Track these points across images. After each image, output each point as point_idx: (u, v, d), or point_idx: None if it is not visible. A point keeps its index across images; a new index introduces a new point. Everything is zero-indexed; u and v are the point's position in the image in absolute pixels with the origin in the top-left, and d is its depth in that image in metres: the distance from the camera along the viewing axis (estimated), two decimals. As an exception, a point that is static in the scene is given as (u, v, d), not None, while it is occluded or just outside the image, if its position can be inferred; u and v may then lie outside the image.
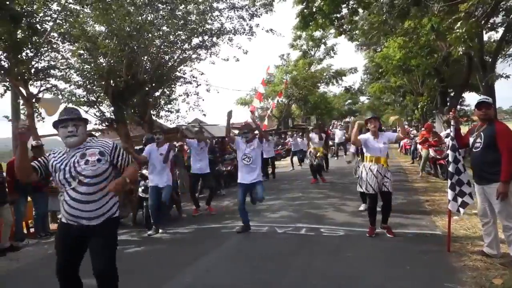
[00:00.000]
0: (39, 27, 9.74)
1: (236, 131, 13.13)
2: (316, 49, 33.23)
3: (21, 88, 9.74)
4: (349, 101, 54.50)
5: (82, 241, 3.15)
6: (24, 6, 9.14)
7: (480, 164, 4.40)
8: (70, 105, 11.54)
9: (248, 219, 6.58)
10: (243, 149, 6.51)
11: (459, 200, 4.66)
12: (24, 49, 9.60)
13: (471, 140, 4.57)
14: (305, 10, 15.00)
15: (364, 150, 5.87)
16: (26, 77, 9.81)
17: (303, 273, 4.49)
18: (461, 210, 4.70)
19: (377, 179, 5.56)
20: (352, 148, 8.71)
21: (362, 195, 7.00)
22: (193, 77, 14.08)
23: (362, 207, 7.29)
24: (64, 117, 3.14)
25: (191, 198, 8.80)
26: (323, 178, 11.67)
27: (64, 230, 3.17)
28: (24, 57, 9.70)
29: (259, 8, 13.02)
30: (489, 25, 14.87)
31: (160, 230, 7.06)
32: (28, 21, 9.22)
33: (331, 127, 29.92)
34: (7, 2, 8.56)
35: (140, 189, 7.81)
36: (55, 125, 3.20)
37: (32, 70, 10.04)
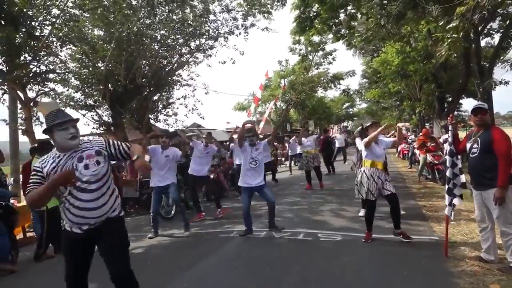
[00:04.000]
0: (38, 31, 9.75)
1: (234, 135, 13.01)
2: (314, 54, 33.28)
3: (19, 92, 9.74)
4: (347, 104, 54.50)
5: (90, 246, 3.09)
6: (24, 10, 9.14)
7: (477, 170, 4.41)
8: (68, 109, 11.57)
9: (251, 225, 6.57)
10: (249, 153, 6.48)
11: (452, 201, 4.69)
12: (23, 52, 9.61)
13: (468, 145, 4.58)
14: (302, 15, 15.07)
15: (364, 155, 5.83)
16: (24, 81, 9.81)
17: (301, 278, 4.48)
18: (452, 213, 4.73)
19: (377, 185, 5.56)
20: (354, 156, 8.72)
21: (363, 200, 6.94)
22: (191, 79, 14.14)
23: (362, 212, 7.26)
24: (64, 119, 3.02)
25: (193, 203, 8.80)
26: (321, 184, 11.40)
27: (70, 238, 3.05)
28: (22, 61, 9.70)
29: (257, 14, 13.10)
30: (485, 31, 14.95)
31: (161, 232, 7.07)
32: (27, 25, 9.23)
33: (331, 132, 29.98)
34: (5, 6, 8.57)
35: None
36: (50, 129, 3.02)
37: (30, 74, 10.04)
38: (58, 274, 3.27)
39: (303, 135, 11.91)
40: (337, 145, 19.99)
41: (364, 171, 5.76)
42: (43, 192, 2.76)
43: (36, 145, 7.53)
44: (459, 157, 4.85)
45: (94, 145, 3.13)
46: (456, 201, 4.69)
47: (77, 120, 3.14)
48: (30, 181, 2.92)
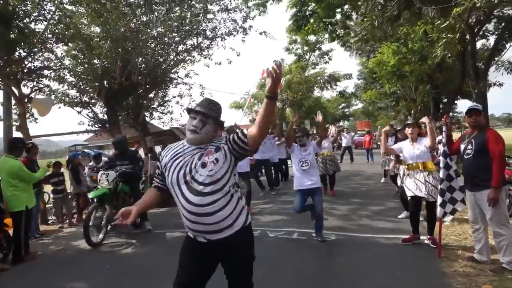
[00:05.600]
0: (33, 27, 9.67)
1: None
2: (311, 53, 33.30)
3: (13, 88, 9.66)
4: (343, 105, 54.65)
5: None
6: (18, 6, 9.06)
7: (471, 171, 4.43)
8: (63, 106, 11.50)
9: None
10: (297, 154, 6.12)
11: (449, 206, 4.68)
12: (17, 48, 9.53)
13: (462, 146, 4.60)
14: (298, 14, 15.11)
15: (402, 157, 5.68)
16: (18, 77, 9.73)
17: (295, 277, 4.48)
18: (450, 216, 4.73)
19: (417, 185, 5.33)
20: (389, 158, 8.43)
21: (404, 202, 6.58)
22: (187, 75, 14.07)
23: (403, 214, 7.00)
24: (196, 108, 2.64)
25: None
26: (333, 191, 10.36)
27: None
28: (17, 57, 9.63)
29: (253, 10, 13.07)
30: (481, 33, 15.03)
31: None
32: (20, 22, 9.15)
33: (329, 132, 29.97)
34: None
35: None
36: (188, 111, 2.73)
37: (25, 70, 9.97)
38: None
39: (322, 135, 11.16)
40: (343, 144, 20.00)
41: (405, 172, 5.63)
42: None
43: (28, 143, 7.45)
44: (454, 158, 4.86)
45: (216, 141, 2.66)
46: (459, 207, 4.70)
47: (209, 116, 2.61)
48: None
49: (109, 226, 6.80)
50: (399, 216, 7.09)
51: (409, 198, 5.45)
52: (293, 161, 6.18)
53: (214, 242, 2.56)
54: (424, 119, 5.58)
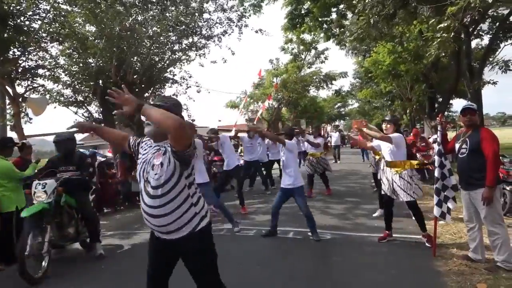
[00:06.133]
0: (28, 26, 9.63)
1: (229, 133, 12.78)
2: (306, 53, 33.31)
3: (7, 87, 9.62)
4: (339, 104, 54.70)
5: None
6: (12, 5, 9.01)
7: (466, 170, 4.45)
8: (58, 105, 11.45)
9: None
10: (281, 153, 6.25)
11: (444, 206, 4.70)
12: (12, 47, 9.48)
13: (457, 146, 4.61)
14: (294, 12, 15.13)
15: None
16: (13, 76, 9.69)
17: (290, 276, 4.48)
18: (448, 216, 4.74)
19: (392, 185, 5.42)
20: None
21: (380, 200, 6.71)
22: (183, 78, 14.07)
23: (378, 212, 7.16)
24: (155, 102, 2.64)
25: None
26: (329, 190, 10.16)
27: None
28: (11, 56, 9.58)
29: (248, 10, 13.10)
30: (475, 33, 15.10)
31: None
32: (15, 21, 9.10)
33: (323, 131, 30.15)
34: None
35: None
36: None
37: (19, 69, 9.92)
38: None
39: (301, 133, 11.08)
40: (333, 143, 20.08)
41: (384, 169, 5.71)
42: None
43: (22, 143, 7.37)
44: (449, 157, 4.89)
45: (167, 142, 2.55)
46: (450, 204, 4.72)
47: (162, 106, 2.52)
48: None
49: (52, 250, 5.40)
50: (374, 215, 7.20)
51: (383, 193, 5.61)
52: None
53: (167, 241, 2.62)
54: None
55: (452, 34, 8.54)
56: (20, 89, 10.34)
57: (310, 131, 31.27)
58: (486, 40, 16.66)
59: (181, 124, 2.29)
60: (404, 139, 5.68)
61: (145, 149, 2.68)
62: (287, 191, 6.11)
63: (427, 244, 5.25)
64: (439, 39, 8.73)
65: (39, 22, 9.87)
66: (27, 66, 10.29)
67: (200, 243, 2.67)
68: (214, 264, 2.79)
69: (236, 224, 6.76)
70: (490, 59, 14.95)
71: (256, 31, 13.98)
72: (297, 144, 6.98)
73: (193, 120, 15.65)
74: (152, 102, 2.64)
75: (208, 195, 6.55)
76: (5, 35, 9.05)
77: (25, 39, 9.53)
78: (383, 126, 5.69)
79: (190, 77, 14.30)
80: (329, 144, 21.07)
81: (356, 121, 6.29)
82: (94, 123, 11.64)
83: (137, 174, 2.63)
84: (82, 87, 11.71)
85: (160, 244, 2.67)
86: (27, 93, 10.53)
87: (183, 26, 11.68)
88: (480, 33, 16.24)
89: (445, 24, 8.38)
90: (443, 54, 10.45)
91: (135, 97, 2.41)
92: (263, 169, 11.46)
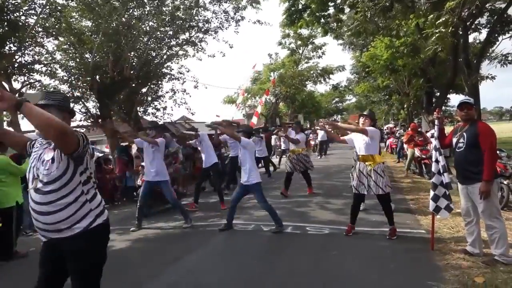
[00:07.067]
0: (23, 21, 9.57)
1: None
2: (304, 47, 33.28)
3: (3, 83, 9.58)
4: (336, 99, 54.69)
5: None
6: (7, 0, 8.96)
7: (463, 164, 4.45)
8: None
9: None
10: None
11: (444, 202, 4.68)
12: (7, 43, 9.43)
13: (454, 140, 4.61)
14: (291, 8, 15.10)
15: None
16: (9, 72, 9.65)
17: (289, 271, 4.49)
18: (445, 213, 4.72)
19: (367, 180, 5.50)
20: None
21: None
22: (180, 73, 14.04)
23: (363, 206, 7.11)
24: (41, 102, 2.58)
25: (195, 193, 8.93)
26: (310, 189, 9.63)
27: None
28: (7, 51, 9.53)
29: (246, 6, 13.07)
30: (473, 27, 15.07)
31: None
32: (10, 16, 9.04)
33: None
34: None
35: None
36: None
37: (16, 65, 9.88)
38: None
39: (286, 130, 10.79)
40: (319, 138, 20.07)
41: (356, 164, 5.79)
42: None
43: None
44: (446, 151, 4.88)
45: None
46: (444, 201, 4.70)
47: (49, 105, 2.55)
48: None
49: None
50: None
51: (353, 190, 5.70)
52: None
53: (54, 241, 2.52)
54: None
55: (451, 29, 8.52)
56: (16, 85, 10.33)
57: (309, 126, 31.28)
58: (484, 34, 16.66)
59: (62, 133, 2.23)
60: (381, 133, 5.81)
61: (37, 147, 2.61)
62: (244, 187, 6.43)
63: (388, 237, 5.43)
64: (437, 35, 8.71)
65: (35, 17, 9.82)
66: (23, 62, 10.25)
67: (91, 243, 2.58)
68: (100, 269, 2.69)
69: (189, 221, 6.99)
70: (488, 53, 14.94)
71: (254, 22, 14.04)
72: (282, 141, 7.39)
73: (192, 114, 15.70)
74: (40, 102, 2.54)
75: (167, 192, 7.03)
76: (1, 30, 9.00)
77: (21, 35, 9.48)
78: (361, 120, 5.80)
79: (188, 71, 14.29)
80: (311, 141, 21.17)
81: (321, 121, 6.49)
82: (91, 118, 11.65)
83: (27, 173, 2.55)
84: (79, 83, 11.66)
85: (48, 247, 2.59)
86: (24, 89, 10.50)
87: (180, 21, 11.63)
88: (478, 27, 16.21)
89: (443, 19, 8.36)
90: (441, 49, 10.43)
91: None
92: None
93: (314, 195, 9.20)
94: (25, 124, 10.11)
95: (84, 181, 2.54)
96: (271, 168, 13.71)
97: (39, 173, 2.46)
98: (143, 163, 8.00)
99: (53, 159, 2.44)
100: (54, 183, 2.42)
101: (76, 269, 2.55)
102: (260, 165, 12.07)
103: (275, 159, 16.93)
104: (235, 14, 12.95)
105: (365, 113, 5.94)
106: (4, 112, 10.19)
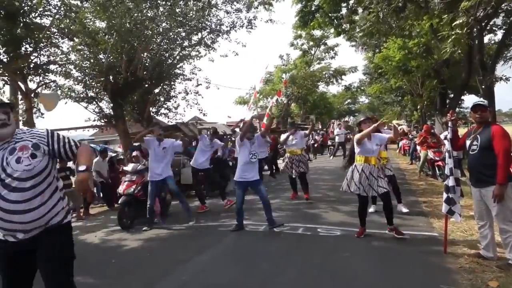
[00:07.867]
0: (38, 22, 9.73)
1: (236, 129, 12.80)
2: (316, 48, 33.19)
3: (19, 83, 9.73)
4: (349, 100, 54.42)
5: (30, 259, 2.60)
6: (23, 2, 9.12)
7: (477, 167, 4.40)
8: (69, 100, 11.56)
9: (243, 221, 6.63)
10: (248, 148, 6.56)
11: (457, 205, 4.64)
12: (23, 43, 9.60)
13: (467, 142, 4.56)
14: (304, 9, 15.08)
15: (357, 151, 5.78)
16: (25, 72, 9.81)
17: (299, 272, 4.49)
18: (458, 216, 4.67)
19: (369, 180, 5.51)
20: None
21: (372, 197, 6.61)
22: (193, 73, 14.12)
23: (372, 208, 7.20)
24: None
25: (196, 194, 9.11)
26: (306, 194, 8.89)
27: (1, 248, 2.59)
28: (23, 52, 9.69)
29: (258, 7, 13.13)
30: (488, 28, 14.87)
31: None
32: (26, 18, 9.20)
33: (331, 127, 29.99)
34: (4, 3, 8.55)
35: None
36: None
37: (31, 65, 10.03)
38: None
39: (290, 131, 9.17)
40: (337, 140, 19.99)
41: (356, 166, 5.73)
42: None
43: None
44: (460, 153, 4.84)
45: (32, 136, 2.63)
46: (457, 205, 4.67)
47: (8, 105, 2.67)
48: None
49: None
50: (370, 211, 7.05)
51: (356, 193, 5.69)
52: (242, 154, 6.59)
53: (27, 240, 2.54)
54: (395, 122, 6.08)
55: (467, 30, 8.41)
56: (32, 85, 10.48)
57: (321, 127, 31.17)
58: (499, 35, 16.40)
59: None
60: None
61: None
62: (248, 184, 6.64)
63: (396, 236, 5.48)
64: (453, 36, 8.60)
65: (50, 18, 9.97)
66: (38, 62, 10.42)
67: (66, 237, 2.69)
68: (72, 263, 2.71)
69: (192, 218, 7.34)
70: (504, 54, 14.72)
71: (266, 21, 14.20)
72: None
73: (204, 115, 15.79)
74: None
75: (172, 185, 7.35)
76: (17, 31, 9.16)
77: (36, 36, 9.63)
78: (366, 125, 5.76)
79: (199, 70, 14.38)
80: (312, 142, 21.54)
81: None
82: (105, 118, 11.78)
83: None
84: (93, 83, 11.79)
85: (13, 248, 2.56)
86: (39, 89, 10.66)
87: (193, 22, 11.69)
88: (493, 28, 15.97)
89: (460, 21, 8.25)
90: (459, 51, 10.29)
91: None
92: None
93: (326, 197, 9.17)
94: (39, 124, 10.28)
95: (53, 180, 2.68)
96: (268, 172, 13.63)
97: (12, 173, 2.45)
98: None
99: (33, 154, 2.52)
100: (35, 178, 2.51)
101: (60, 257, 2.61)
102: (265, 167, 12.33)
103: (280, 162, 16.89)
104: (247, 12, 13.00)
105: (369, 116, 6.17)
106: (20, 112, 10.38)
